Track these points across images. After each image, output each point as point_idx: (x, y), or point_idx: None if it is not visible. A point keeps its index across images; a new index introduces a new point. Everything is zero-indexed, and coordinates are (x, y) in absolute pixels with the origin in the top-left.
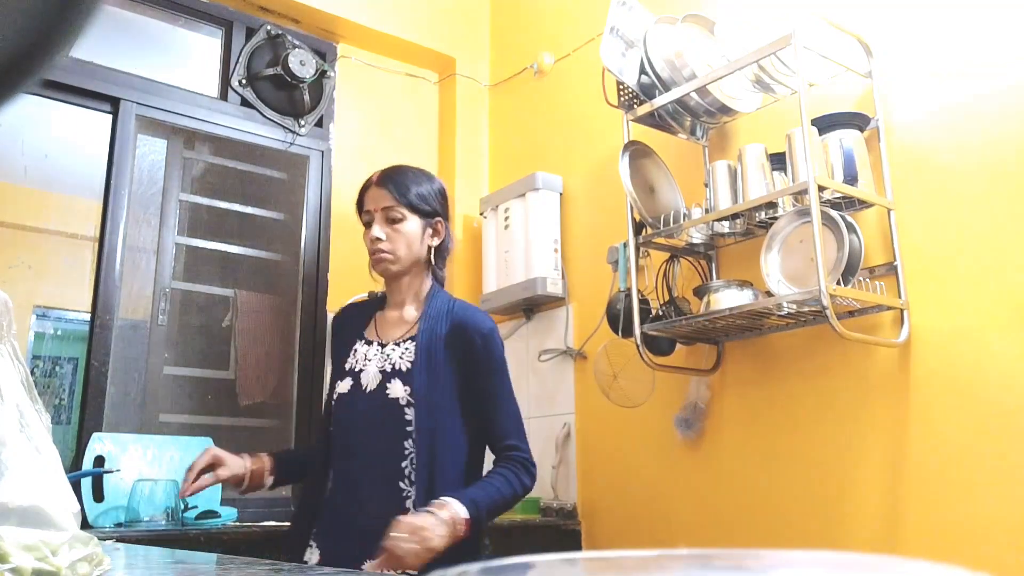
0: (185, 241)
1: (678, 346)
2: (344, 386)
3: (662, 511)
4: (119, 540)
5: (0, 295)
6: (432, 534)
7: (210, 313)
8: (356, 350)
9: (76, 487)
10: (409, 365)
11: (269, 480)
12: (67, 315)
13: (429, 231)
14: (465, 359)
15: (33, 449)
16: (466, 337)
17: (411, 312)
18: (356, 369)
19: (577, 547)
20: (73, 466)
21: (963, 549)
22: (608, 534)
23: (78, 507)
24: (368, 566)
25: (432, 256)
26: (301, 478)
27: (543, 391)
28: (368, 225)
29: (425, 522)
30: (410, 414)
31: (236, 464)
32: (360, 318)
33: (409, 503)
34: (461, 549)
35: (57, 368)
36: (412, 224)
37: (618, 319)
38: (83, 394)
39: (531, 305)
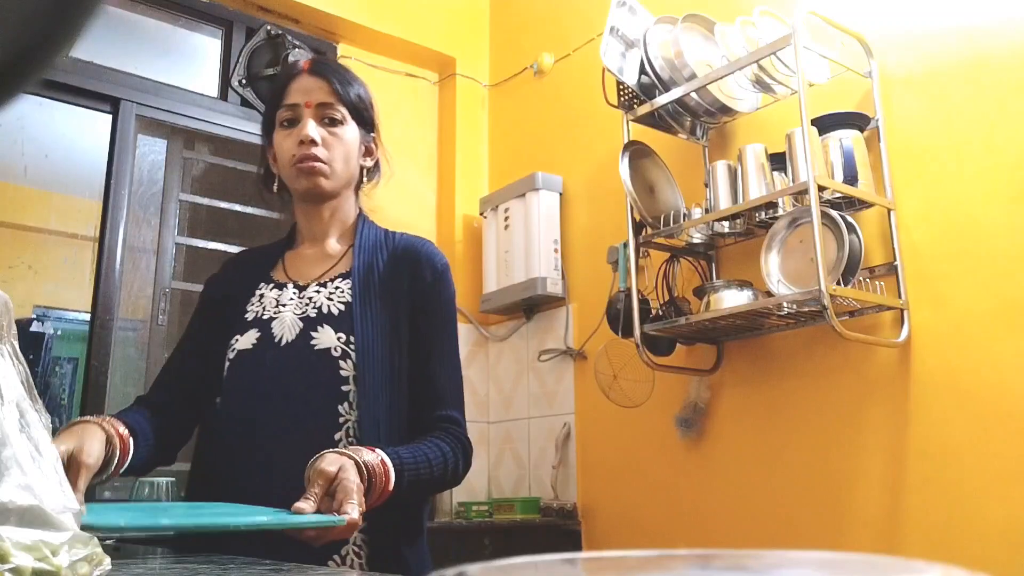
0: (185, 241)
1: (678, 346)
2: (248, 340)
3: (662, 511)
4: (119, 540)
5: (0, 295)
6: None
7: None
8: (262, 295)
9: None
10: (343, 307)
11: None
12: (67, 315)
13: (363, 147)
14: (409, 301)
15: (33, 449)
16: (414, 272)
17: (335, 245)
18: (264, 318)
19: (577, 547)
20: None
21: (963, 549)
22: (608, 534)
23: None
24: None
25: (362, 180)
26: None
27: (543, 391)
28: (291, 123)
29: (357, 485)
30: (347, 368)
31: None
32: (262, 259)
33: None
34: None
35: (57, 368)
36: (352, 132)
37: (618, 319)
38: (83, 394)
39: (531, 305)
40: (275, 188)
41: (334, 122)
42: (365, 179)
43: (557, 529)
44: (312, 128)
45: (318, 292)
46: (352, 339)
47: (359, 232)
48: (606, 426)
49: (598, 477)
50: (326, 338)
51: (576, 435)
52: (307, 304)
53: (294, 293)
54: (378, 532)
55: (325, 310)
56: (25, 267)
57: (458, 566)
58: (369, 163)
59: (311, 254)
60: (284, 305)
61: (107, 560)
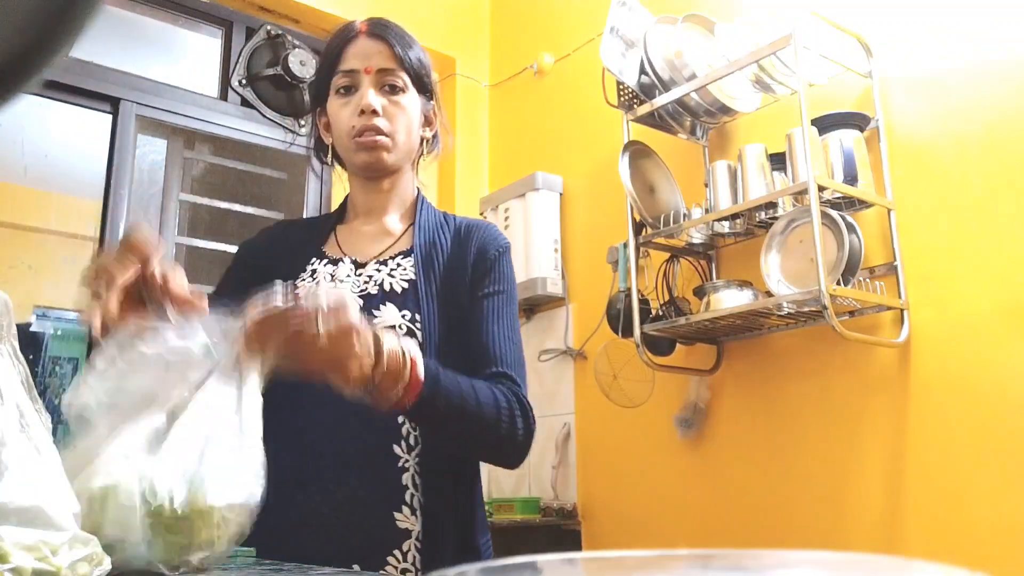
0: (185, 241)
1: (678, 346)
2: None
3: (662, 511)
4: None
5: (0, 295)
6: (364, 342)
7: None
8: (315, 270)
9: None
10: (406, 284)
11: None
12: (67, 315)
13: (423, 116)
14: (471, 280)
15: (33, 449)
16: (480, 251)
17: (395, 223)
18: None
19: (577, 547)
20: None
21: (963, 549)
22: (608, 534)
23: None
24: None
25: (421, 153)
26: None
27: (543, 391)
28: (348, 91)
29: (360, 324)
30: None
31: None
32: (311, 233)
33: (407, 478)
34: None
35: (57, 368)
36: (413, 101)
37: (618, 319)
38: None
39: (531, 305)
40: (331, 160)
41: (395, 90)
42: (424, 151)
43: (557, 529)
44: (373, 97)
45: (379, 270)
46: (417, 316)
47: (419, 210)
48: (606, 426)
49: (598, 477)
50: (389, 315)
51: (576, 435)
52: (367, 282)
53: (351, 270)
54: (435, 522)
55: (387, 287)
56: (25, 267)
57: (458, 566)
58: (428, 134)
59: (369, 231)
60: (341, 282)
61: (107, 560)
